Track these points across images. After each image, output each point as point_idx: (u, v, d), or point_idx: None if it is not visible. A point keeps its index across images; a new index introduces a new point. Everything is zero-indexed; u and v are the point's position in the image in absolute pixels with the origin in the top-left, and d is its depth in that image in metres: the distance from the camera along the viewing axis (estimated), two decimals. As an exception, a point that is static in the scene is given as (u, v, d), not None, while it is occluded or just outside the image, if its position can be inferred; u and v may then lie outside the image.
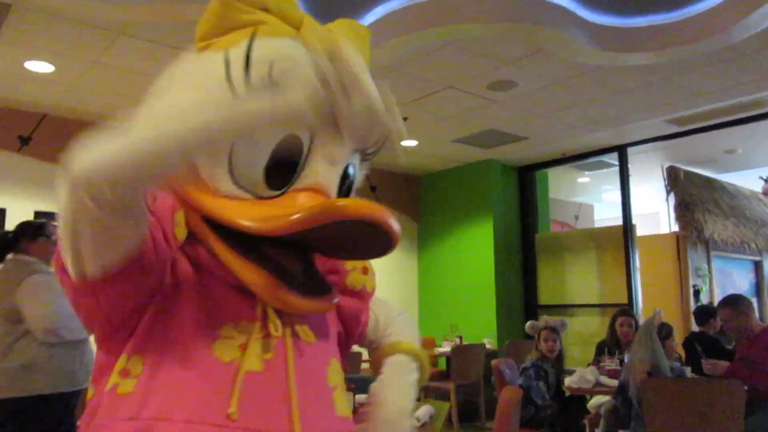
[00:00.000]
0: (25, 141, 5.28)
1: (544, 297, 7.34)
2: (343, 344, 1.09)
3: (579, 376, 4.00)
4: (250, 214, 0.82)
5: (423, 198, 8.11)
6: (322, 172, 0.87)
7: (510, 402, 2.48)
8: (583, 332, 6.91)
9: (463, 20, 3.86)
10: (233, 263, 0.85)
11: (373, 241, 0.83)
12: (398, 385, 1.07)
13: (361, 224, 0.77)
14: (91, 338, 1.00)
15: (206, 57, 0.90)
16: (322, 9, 3.93)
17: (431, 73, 4.67)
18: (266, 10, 0.92)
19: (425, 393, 5.62)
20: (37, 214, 5.27)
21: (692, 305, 6.59)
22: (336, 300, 0.93)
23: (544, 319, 4.39)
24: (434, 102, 5.31)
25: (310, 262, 0.92)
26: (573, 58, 4.35)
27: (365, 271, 1.10)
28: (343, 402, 0.95)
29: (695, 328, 5.18)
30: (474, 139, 6.44)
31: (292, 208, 0.78)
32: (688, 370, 3.84)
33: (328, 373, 0.95)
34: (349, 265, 1.08)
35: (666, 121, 5.89)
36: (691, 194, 7.18)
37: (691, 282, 6.89)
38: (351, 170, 0.96)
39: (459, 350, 5.95)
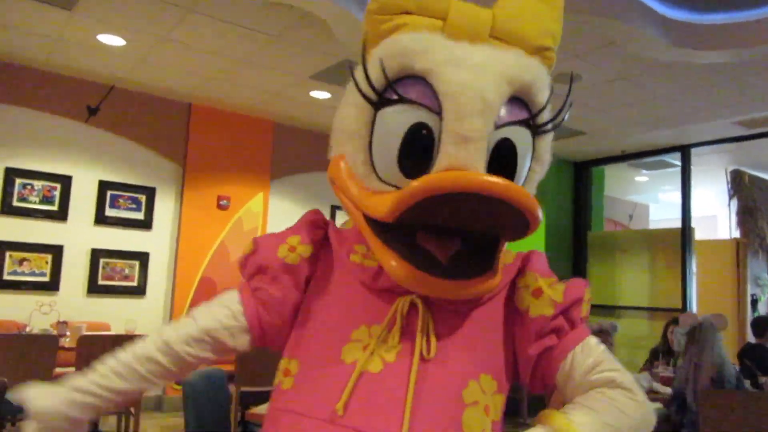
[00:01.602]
0: (92, 111, 5.44)
1: (594, 297, 7.16)
2: (521, 371, 0.97)
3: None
4: (379, 205, 0.86)
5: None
6: (454, 152, 0.84)
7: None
8: (631, 335, 6.76)
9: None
10: (377, 252, 0.89)
11: (511, 220, 0.82)
12: None
13: (475, 199, 0.76)
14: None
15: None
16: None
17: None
18: (407, 12, 0.94)
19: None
20: (102, 183, 5.45)
21: (749, 315, 6.37)
22: (492, 281, 0.88)
23: (598, 323, 4.29)
24: (495, 92, 5.23)
25: (474, 245, 0.87)
26: (643, 53, 4.22)
27: (537, 293, 0.94)
28: (476, 421, 0.86)
29: (752, 339, 5.01)
30: (531, 131, 6.32)
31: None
32: (747, 383, 3.72)
33: (466, 386, 0.88)
34: (522, 282, 0.97)
35: (734, 123, 5.67)
36: (754, 200, 6.91)
37: (750, 291, 6.66)
38: (511, 142, 0.90)
39: (503, 344, 5.90)
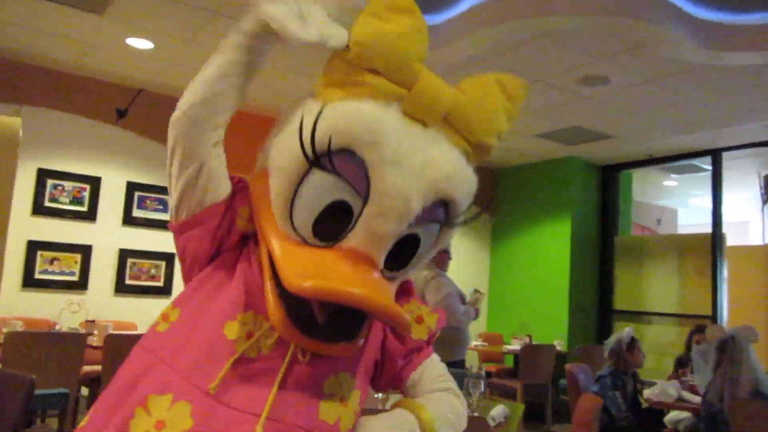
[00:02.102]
0: (121, 114, 5.53)
1: (620, 302, 7.10)
2: (377, 374, 1.11)
3: (660, 389, 3.84)
4: (289, 264, 0.89)
5: (499, 192, 7.98)
6: (363, 240, 0.93)
7: (590, 411, 2.41)
8: (659, 342, 6.65)
9: (558, 13, 3.74)
10: (268, 290, 0.93)
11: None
12: (388, 426, 1.00)
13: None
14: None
15: (303, 108, 0.97)
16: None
17: (518, 65, 4.56)
18: (375, 71, 0.95)
19: (491, 390, 5.56)
20: (129, 184, 5.54)
21: (782, 323, 6.20)
22: (355, 346, 0.98)
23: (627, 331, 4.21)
24: (520, 95, 5.19)
25: (348, 309, 0.91)
26: (673, 55, 4.15)
27: (419, 320, 1.13)
28: (331, 409, 0.96)
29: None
30: (557, 134, 6.27)
31: (314, 276, 0.85)
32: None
33: (327, 379, 0.97)
34: (406, 308, 1.12)
35: (767, 126, 5.55)
36: (789, 205, 6.75)
37: (783, 298, 6.49)
38: (417, 238, 0.99)
39: (529, 350, 5.85)
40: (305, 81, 5.13)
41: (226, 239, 1.03)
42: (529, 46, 4.22)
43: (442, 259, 4.24)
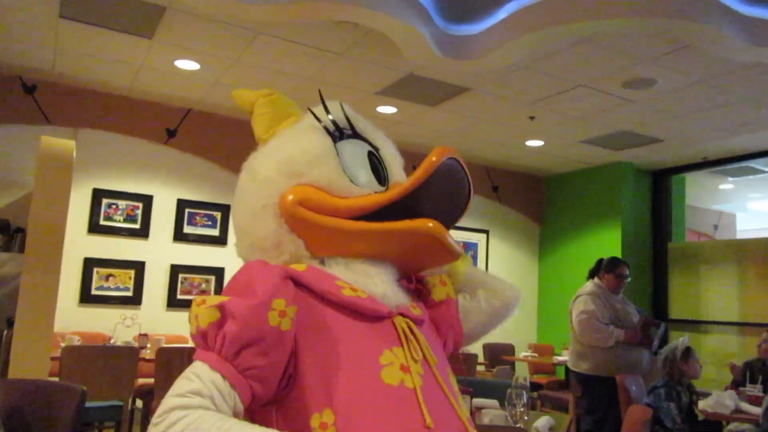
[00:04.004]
0: (171, 133, 5.72)
1: (676, 311, 6.86)
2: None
3: (715, 400, 3.69)
4: (379, 197, 1.04)
5: (547, 200, 7.86)
6: (399, 173, 1.17)
7: (639, 422, 2.33)
8: (718, 352, 6.38)
9: (600, 17, 3.67)
10: (402, 225, 1.01)
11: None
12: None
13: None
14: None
15: (290, 132, 1.16)
16: (454, 5, 3.91)
17: (561, 70, 4.51)
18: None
19: (542, 402, 5.44)
20: (180, 201, 5.70)
21: None
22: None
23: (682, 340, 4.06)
24: (563, 101, 5.13)
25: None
26: (721, 54, 4.01)
27: (443, 283, 1.24)
28: (464, 405, 1.06)
29: None
30: (604, 140, 6.14)
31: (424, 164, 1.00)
32: None
33: (452, 379, 1.07)
34: (429, 282, 1.22)
35: (828, 125, 5.30)
36: None
37: None
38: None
39: (579, 360, 5.70)
40: (358, 96, 5.19)
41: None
42: (570, 51, 4.17)
43: (616, 282, 4.23)
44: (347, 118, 1.14)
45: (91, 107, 5.40)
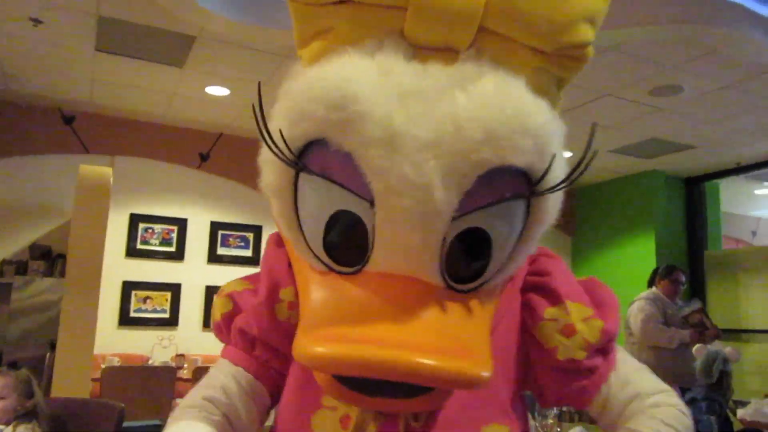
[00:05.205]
0: (204, 158, 5.86)
1: (715, 319, 6.65)
2: (536, 394, 0.85)
3: (754, 408, 3.59)
4: (312, 317, 0.69)
5: (578, 211, 7.78)
6: (390, 258, 0.66)
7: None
8: (762, 361, 6.20)
9: (624, 24, 3.68)
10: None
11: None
12: None
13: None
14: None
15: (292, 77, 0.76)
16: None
17: (585, 81, 4.50)
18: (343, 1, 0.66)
19: (580, 416, 5.35)
20: (213, 223, 5.83)
21: None
22: (440, 397, 0.68)
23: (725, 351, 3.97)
24: (589, 111, 5.10)
25: None
26: (749, 58, 3.97)
27: (569, 332, 0.77)
28: None
29: None
30: (634, 148, 6.08)
31: (332, 338, 0.62)
32: None
33: None
34: (548, 313, 0.80)
35: None
36: None
37: None
38: (483, 231, 0.68)
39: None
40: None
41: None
42: (595, 60, 4.12)
43: (672, 288, 4.35)
44: (290, 150, 0.72)
45: (127, 135, 5.58)
